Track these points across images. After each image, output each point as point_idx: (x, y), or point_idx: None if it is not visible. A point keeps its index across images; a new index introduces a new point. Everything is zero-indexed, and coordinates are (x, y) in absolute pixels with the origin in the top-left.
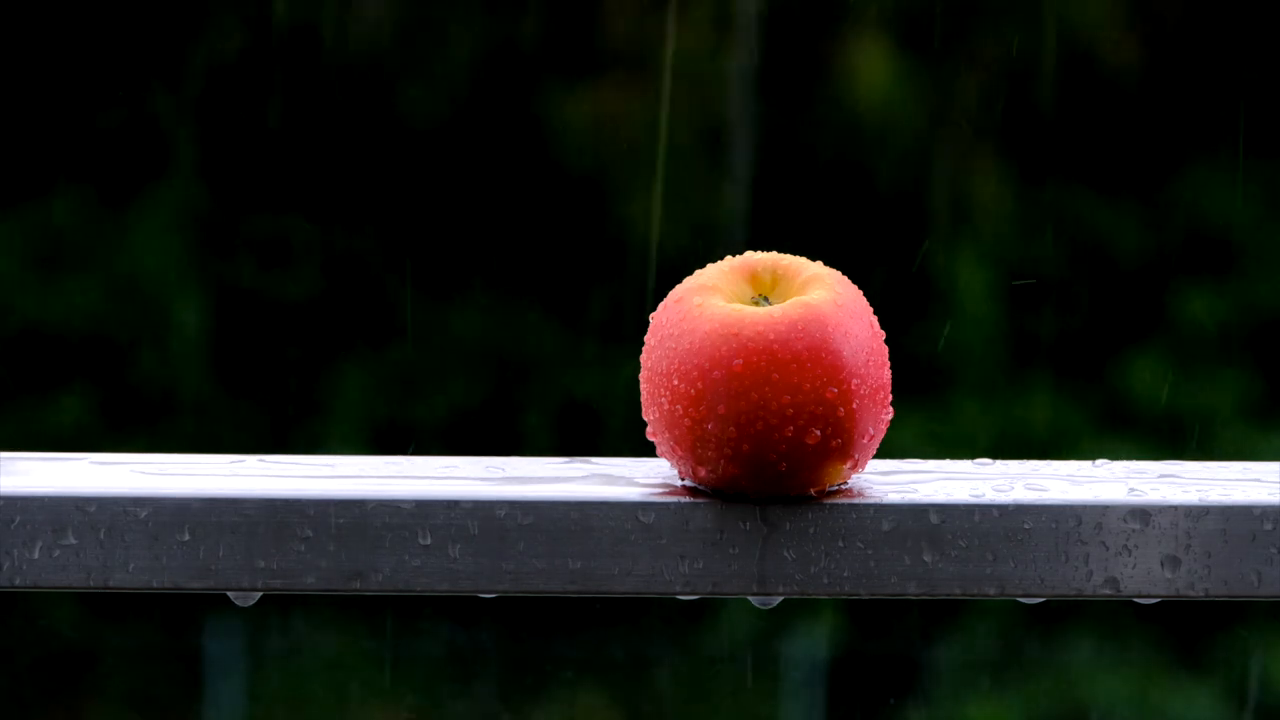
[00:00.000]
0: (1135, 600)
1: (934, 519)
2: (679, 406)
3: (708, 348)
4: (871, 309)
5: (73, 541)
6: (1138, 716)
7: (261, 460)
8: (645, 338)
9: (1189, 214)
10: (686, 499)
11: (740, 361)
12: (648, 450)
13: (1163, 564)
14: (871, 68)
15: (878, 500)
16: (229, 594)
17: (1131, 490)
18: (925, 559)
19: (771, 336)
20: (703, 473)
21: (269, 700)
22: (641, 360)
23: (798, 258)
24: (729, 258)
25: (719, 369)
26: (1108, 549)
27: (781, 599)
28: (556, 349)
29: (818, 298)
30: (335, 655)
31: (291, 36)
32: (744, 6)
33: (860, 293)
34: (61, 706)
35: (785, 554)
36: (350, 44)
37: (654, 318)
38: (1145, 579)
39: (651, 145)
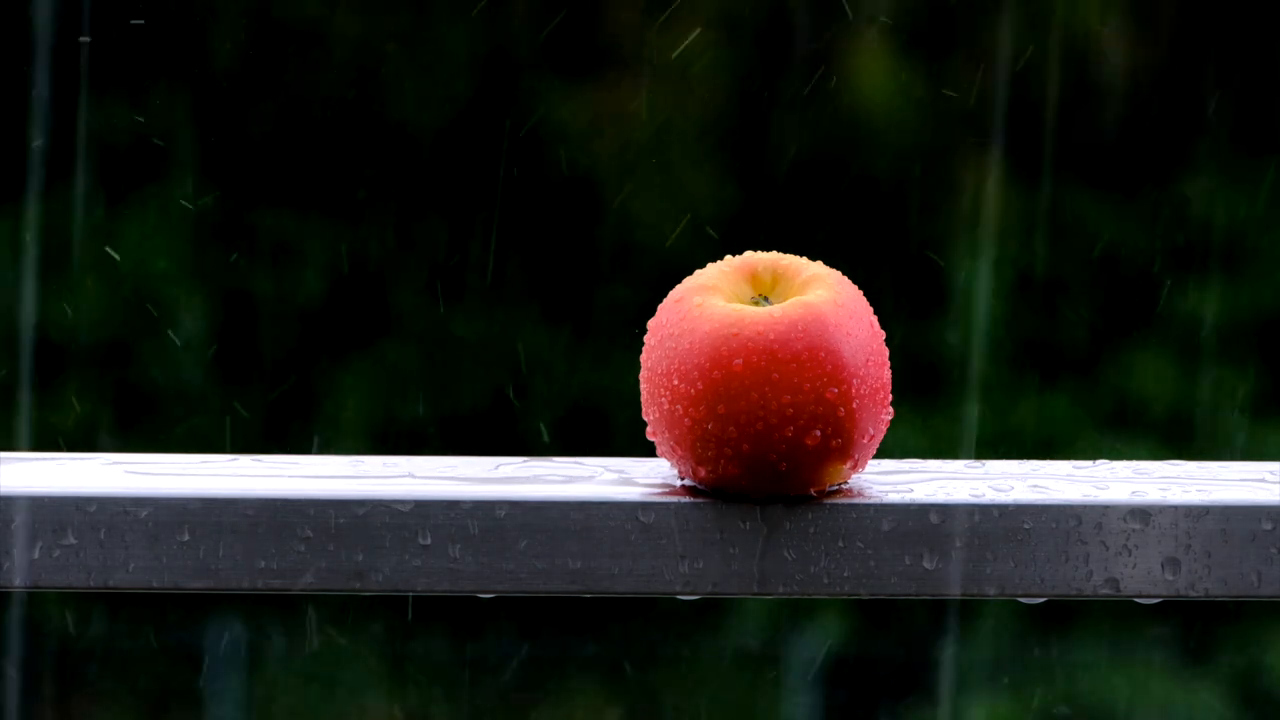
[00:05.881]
0: (1135, 600)
1: (934, 519)
2: (679, 406)
3: (708, 348)
4: (871, 309)
5: (73, 541)
6: (1140, 716)
7: (261, 460)
8: (645, 338)
9: (1189, 213)
10: (686, 499)
11: (740, 361)
12: (648, 450)
13: (1163, 564)
14: (872, 67)
15: (878, 500)
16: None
17: (1132, 490)
18: (925, 559)
19: (772, 336)
20: (703, 473)
21: (269, 700)
22: (641, 360)
23: (798, 258)
24: (729, 258)
25: (719, 369)
26: (1108, 549)
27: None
28: (556, 349)
29: (818, 298)
30: (336, 655)
31: (292, 37)
32: (745, 6)
33: (860, 293)
34: (62, 706)
35: (785, 554)
36: (351, 44)
37: (654, 318)
38: (1145, 579)
39: (651, 145)
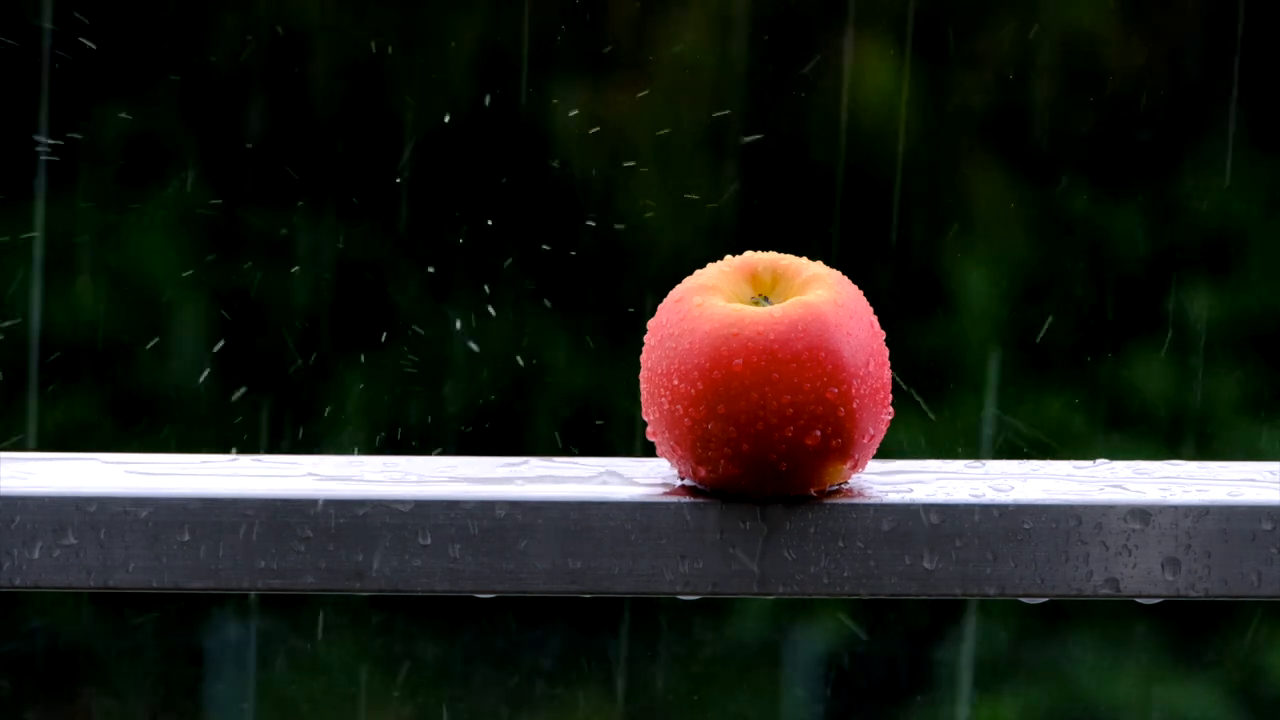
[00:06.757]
0: (1135, 600)
1: (934, 519)
2: (679, 406)
3: (708, 348)
4: (872, 309)
5: (73, 541)
6: (1140, 716)
7: (261, 460)
8: (645, 338)
9: (1190, 213)
10: (686, 499)
11: (740, 361)
12: (648, 450)
13: (1163, 564)
14: (872, 67)
15: (878, 500)
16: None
17: (1131, 490)
18: (925, 559)
19: (772, 336)
20: (703, 473)
21: (269, 700)
22: (642, 360)
23: (798, 258)
24: (729, 258)
25: (719, 369)
26: (1108, 549)
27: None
28: (556, 348)
29: (818, 298)
30: (336, 655)
31: (293, 35)
32: (745, 6)
33: (860, 293)
34: (62, 706)
35: (785, 554)
36: (351, 44)
37: (654, 318)
38: (1145, 579)
39: (652, 145)
